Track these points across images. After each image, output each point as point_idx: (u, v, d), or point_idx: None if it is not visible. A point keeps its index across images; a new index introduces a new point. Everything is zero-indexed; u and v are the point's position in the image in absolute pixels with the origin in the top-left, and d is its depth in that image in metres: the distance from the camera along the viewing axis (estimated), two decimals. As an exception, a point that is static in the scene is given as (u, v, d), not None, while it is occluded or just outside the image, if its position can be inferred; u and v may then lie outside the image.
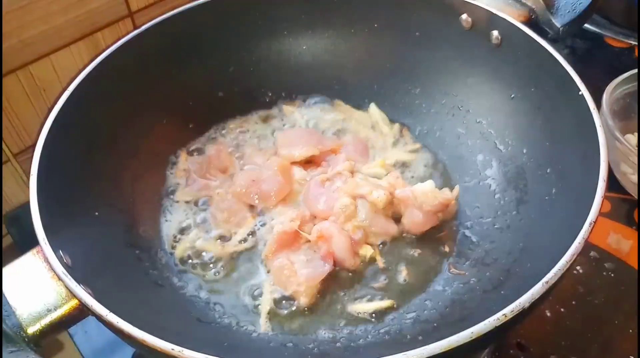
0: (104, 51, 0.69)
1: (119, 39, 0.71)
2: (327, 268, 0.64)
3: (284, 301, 0.64)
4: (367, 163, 0.76)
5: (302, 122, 0.82)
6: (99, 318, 0.47)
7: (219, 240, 0.69)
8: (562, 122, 0.64)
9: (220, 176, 0.76)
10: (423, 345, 0.42)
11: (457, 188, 0.71)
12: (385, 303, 0.63)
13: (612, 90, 0.81)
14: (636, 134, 0.83)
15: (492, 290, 0.59)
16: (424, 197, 0.67)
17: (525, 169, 0.68)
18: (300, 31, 0.83)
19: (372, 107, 0.82)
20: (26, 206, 0.54)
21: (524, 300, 0.45)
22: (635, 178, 0.78)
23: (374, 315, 0.62)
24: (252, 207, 0.72)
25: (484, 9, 0.71)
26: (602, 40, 1.04)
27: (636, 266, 0.72)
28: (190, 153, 0.78)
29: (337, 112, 0.83)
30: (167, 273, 0.66)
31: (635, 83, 0.83)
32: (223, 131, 0.81)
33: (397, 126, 0.81)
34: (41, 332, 0.51)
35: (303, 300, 0.63)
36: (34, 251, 0.54)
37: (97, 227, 0.63)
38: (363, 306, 0.63)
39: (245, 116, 0.83)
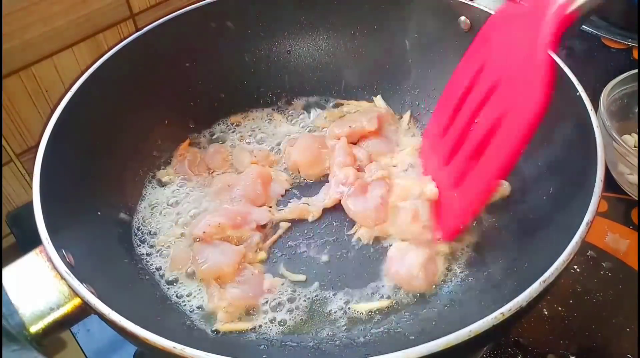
0: (106, 52, 0.69)
1: (121, 40, 0.71)
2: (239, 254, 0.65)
3: (284, 301, 0.64)
4: (392, 153, 0.76)
5: (301, 124, 0.83)
6: (102, 316, 0.48)
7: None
8: (560, 123, 0.64)
9: (204, 175, 0.76)
10: (422, 344, 0.42)
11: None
12: (385, 302, 0.63)
13: (610, 91, 0.81)
14: (633, 134, 0.83)
15: (490, 289, 0.59)
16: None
17: (523, 169, 0.68)
18: (300, 33, 0.83)
19: (378, 99, 0.83)
20: (29, 205, 0.54)
21: (522, 298, 0.45)
22: (632, 178, 0.78)
23: (373, 313, 0.62)
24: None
25: (483, 10, 0.71)
26: (599, 42, 1.04)
27: (634, 266, 0.72)
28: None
29: (337, 112, 0.83)
30: (168, 272, 0.67)
31: (633, 84, 0.83)
32: (224, 132, 0.82)
33: (407, 114, 0.81)
34: (44, 331, 0.52)
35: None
36: (37, 250, 0.54)
37: (99, 226, 0.63)
38: (362, 306, 0.63)
39: (246, 116, 0.83)
